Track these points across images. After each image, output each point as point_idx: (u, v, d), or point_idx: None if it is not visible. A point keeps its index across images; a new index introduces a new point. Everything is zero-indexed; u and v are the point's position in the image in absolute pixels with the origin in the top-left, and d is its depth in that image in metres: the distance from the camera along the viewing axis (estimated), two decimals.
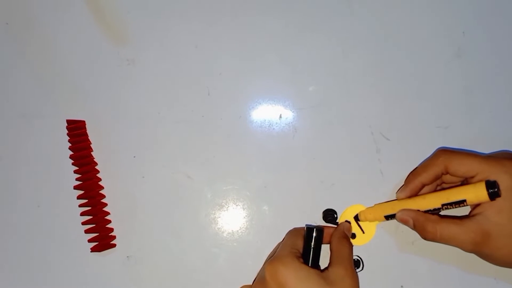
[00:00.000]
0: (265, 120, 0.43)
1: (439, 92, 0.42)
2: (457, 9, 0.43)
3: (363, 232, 0.41)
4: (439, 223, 0.35)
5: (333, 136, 0.42)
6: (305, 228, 0.38)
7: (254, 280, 0.38)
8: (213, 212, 0.42)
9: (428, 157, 0.39)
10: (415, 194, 0.38)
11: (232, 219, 0.42)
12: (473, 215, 0.35)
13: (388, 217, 0.38)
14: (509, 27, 0.43)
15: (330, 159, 0.42)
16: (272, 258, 0.35)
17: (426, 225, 0.35)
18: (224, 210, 0.42)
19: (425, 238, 0.36)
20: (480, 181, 0.34)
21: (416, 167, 0.39)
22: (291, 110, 0.43)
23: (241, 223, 0.42)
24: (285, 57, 0.43)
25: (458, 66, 0.42)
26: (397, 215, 0.37)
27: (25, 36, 0.44)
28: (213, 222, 0.42)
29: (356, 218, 0.41)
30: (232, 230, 0.42)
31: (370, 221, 0.40)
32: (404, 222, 0.37)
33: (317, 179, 0.42)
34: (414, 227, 0.36)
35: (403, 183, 0.40)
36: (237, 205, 0.42)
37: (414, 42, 0.43)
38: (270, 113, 0.43)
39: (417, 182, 0.38)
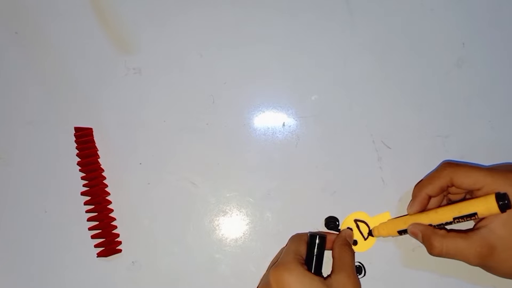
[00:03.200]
0: (268, 128, 0.44)
1: (440, 101, 0.43)
2: (457, 20, 0.44)
3: (365, 239, 0.41)
4: (445, 237, 0.35)
5: (335, 144, 0.43)
6: (308, 235, 0.39)
7: (258, 286, 0.39)
8: (217, 218, 0.43)
9: (433, 170, 0.40)
10: (424, 207, 0.38)
11: (235, 225, 0.43)
12: (478, 228, 0.35)
13: (401, 232, 0.39)
14: (508, 38, 0.43)
15: (332, 167, 0.43)
16: (277, 264, 0.36)
17: (433, 240, 0.35)
18: (228, 217, 0.43)
19: (431, 254, 0.36)
20: (485, 193, 0.35)
21: (422, 179, 0.40)
22: (294, 119, 0.44)
23: (244, 230, 0.43)
24: (288, 67, 0.44)
25: (458, 76, 0.43)
26: (408, 229, 0.38)
27: (34, 45, 0.45)
28: (217, 228, 0.43)
29: (357, 222, 0.41)
30: (235, 236, 0.43)
31: (384, 236, 0.40)
32: (414, 236, 0.37)
33: (319, 187, 0.43)
34: (423, 241, 0.37)
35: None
36: (240, 212, 0.43)
37: (414, 53, 0.43)
38: (273, 121, 0.44)
39: (424, 194, 0.38)
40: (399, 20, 0.44)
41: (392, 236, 0.40)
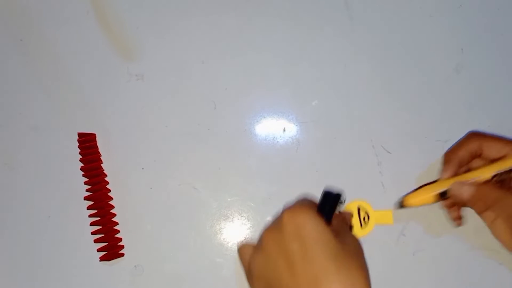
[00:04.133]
0: (269, 134, 0.44)
1: (439, 106, 0.43)
2: (455, 26, 0.44)
3: (361, 226, 0.41)
4: (500, 187, 0.36)
5: (335, 149, 0.43)
6: (323, 191, 0.35)
7: (267, 227, 0.33)
8: (218, 222, 0.43)
9: (459, 139, 0.40)
10: (457, 172, 0.38)
11: (236, 229, 0.43)
12: None
13: (440, 195, 0.37)
14: (506, 44, 0.44)
15: (332, 171, 0.43)
16: (292, 206, 0.32)
17: (491, 186, 0.36)
18: (229, 221, 0.43)
19: (486, 202, 0.36)
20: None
21: (451, 147, 0.40)
22: (294, 124, 0.44)
23: (246, 234, 0.43)
24: (289, 73, 0.44)
25: (457, 82, 0.43)
26: (452, 188, 0.37)
27: (38, 52, 0.46)
28: (218, 232, 0.43)
29: (359, 208, 0.41)
30: (237, 241, 0.43)
31: (417, 205, 0.38)
32: (459, 195, 0.36)
33: (319, 191, 0.42)
34: (474, 195, 0.36)
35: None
36: (241, 216, 0.43)
37: (414, 58, 0.44)
38: (274, 127, 0.44)
39: (457, 159, 0.38)
40: (398, 26, 0.44)
41: (426, 204, 0.38)
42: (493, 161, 0.38)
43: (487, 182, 0.36)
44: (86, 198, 0.42)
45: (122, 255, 0.43)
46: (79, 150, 0.43)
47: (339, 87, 0.44)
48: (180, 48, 0.45)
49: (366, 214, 0.42)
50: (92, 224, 0.42)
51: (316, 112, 0.44)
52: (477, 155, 0.38)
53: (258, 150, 0.44)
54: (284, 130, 0.44)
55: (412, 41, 0.44)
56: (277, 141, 0.44)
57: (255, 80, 0.44)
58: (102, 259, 0.42)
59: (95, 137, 0.44)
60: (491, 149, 0.37)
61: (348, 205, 0.42)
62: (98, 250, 0.42)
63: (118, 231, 0.43)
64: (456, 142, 0.40)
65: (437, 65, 0.44)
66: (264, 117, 0.44)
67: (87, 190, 0.43)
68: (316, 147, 0.43)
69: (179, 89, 0.45)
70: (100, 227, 0.42)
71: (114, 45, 0.45)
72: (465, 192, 0.36)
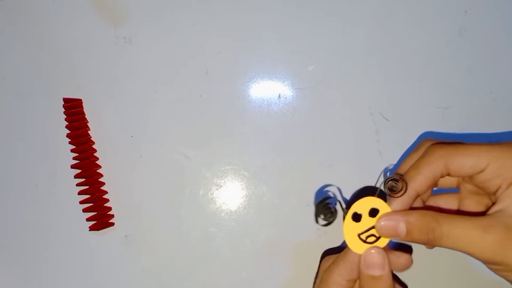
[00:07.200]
0: (264, 100, 0.42)
1: (440, 72, 0.42)
2: None
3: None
4: (447, 221, 0.26)
5: (333, 117, 0.42)
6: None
7: None
8: (211, 192, 0.42)
9: (415, 153, 0.31)
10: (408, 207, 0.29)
11: (230, 199, 0.42)
12: (493, 213, 0.27)
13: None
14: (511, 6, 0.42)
15: (329, 139, 0.42)
16: None
17: (433, 226, 0.26)
18: (222, 190, 0.42)
19: (429, 243, 0.27)
20: (494, 172, 0.27)
21: (401, 166, 0.31)
22: (290, 90, 0.42)
23: (239, 203, 0.42)
24: (285, 36, 0.42)
25: (460, 46, 0.42)
26: (379, 223, 0.28)
27: (21, 14, 0.43)
28: (211, 202, 0.42)
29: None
30: (230, 210, 0.42)
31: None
32: (390, 230, 0.28)
33: (315, 160, 0.42)
34: (413, 233, 0.27)
35: None
36: (235, 185, 0.42)
37: (415, 21, 0.42)
38: (269, 93, 0.42)
39: (412, 192, 0.28)
40: None
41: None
42: (466, 180, 0.29)
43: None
44: (73, 167, 0.41)
45: (112, 224, 0.42)
46: (65, 117, 0.41)
47: (337, 52, 0.42)
48: (170, 9, 0.43)
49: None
50: (80, 193, 0.41)
51: (313, 77, 0.42)
52: (442, 176, 0.29)
53: (252, 117, 0.42)
54: (279, 96, 0.42)
55: (414, 3, 0.42)
56: (272, 108, 0.42)
57: (249, 43, 0.42)
58: (92, 228, 0.41)
59: (82, 102, 0.42)
60: (465, 163, 0.27)
61: (354, 206, 0.30)
62: (88, 220, 0.41)
63: (107, 200, 0.42)
64: (406, 158, 0.31)
65: (439, 28, 0.42)
66: (259, 83, 0.42)
67: (74, 158, 0.41)
68: (312, 114, 0.42)
69: (169, 53, 0.42)
70: (89, 196, 0.41)
71: (100, 5, 0.43)
72: (399, 226, 0.28)
